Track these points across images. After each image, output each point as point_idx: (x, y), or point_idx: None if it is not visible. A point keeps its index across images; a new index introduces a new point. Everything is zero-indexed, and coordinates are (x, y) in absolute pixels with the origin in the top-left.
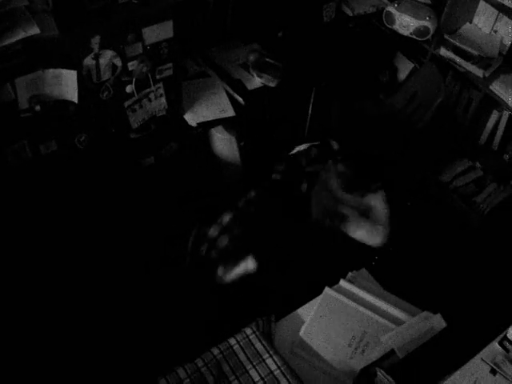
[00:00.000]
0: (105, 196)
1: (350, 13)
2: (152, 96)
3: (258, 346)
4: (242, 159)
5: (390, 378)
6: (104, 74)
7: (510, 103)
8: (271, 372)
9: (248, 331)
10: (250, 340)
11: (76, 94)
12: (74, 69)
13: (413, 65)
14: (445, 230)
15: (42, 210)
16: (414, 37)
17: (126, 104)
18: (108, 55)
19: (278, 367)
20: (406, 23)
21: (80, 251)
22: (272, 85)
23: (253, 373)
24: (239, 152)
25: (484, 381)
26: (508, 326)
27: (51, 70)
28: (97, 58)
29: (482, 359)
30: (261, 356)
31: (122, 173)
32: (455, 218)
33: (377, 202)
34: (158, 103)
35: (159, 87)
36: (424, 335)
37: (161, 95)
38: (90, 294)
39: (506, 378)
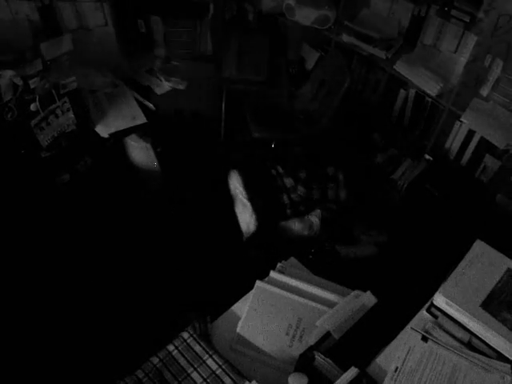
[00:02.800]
0: (21, 218)
1: (250, 9)
2: (59, 112)
3: (197, 348)
4: (161, 165)
5: (329, 360)
6: (5, 95)
7: (414, 81)
8: (213, 372)
9: (185, 335)
10: (188, 344)
11: None
12: None
13: (319, 54)
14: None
15: None
16: (316, 26)
17: (33, 123)
18: (7, 75)
19: (219, 366)
20: (306, 14)
21: None
22: (181, 87)
23: (195, 375)
24: (157, 158)
25: (417, 348)
26: (434, 294)
27: None
28: None
29: (412, 328)
30: (201, 358)
31: (36, 193)
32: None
33: None
34: (65, 118)
35: (65, 102)
36: (357, 313)
37: (68, 110)
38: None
39: (438, 343)
